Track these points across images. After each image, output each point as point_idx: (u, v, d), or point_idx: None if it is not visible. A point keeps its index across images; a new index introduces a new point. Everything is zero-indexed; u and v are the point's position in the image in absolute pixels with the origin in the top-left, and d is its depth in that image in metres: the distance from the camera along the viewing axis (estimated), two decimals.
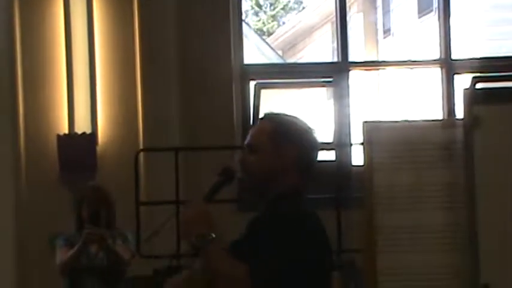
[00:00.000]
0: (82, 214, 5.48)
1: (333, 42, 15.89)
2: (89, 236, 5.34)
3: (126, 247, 5.44)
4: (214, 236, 3.00)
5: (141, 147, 6.09)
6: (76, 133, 6.27)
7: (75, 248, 5.42)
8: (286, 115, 3.19)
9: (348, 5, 6.67)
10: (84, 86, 6.32)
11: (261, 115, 3.24)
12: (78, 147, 6.22)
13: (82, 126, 6.30)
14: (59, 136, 6.28)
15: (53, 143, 6.27)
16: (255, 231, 3.05)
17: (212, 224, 3.05)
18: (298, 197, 3.09)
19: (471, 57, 8.19)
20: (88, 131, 6.28)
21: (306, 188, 3.13)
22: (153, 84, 6.20)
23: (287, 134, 3.07)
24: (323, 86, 8.44)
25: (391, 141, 4.69)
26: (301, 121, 3.17)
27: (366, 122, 4.88)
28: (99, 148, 6.29)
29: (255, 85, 6.34)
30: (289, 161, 3.05)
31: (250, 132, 3.16)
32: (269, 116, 3.16)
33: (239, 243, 3.06)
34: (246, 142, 3.14)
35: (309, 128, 3.15)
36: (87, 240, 5.35)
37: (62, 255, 5.47)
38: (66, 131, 6.29)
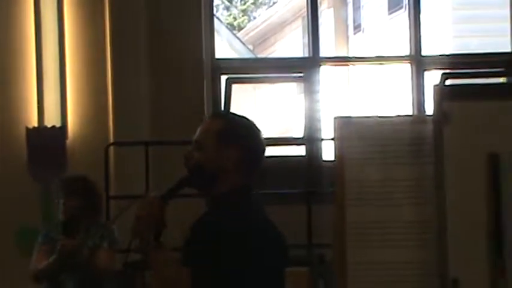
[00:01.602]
0: (69, 205, 5.01)
1: (303, 37, 15.93)
2: (63, 249, 4.86)
3: (110, 253, 4.95)
4: (159, 241, 2.99)
5: (111, 141, 6.07)
6: (45, 126, 6.24)
7: (51, 259, 4.92)
8: (235, 115, 3.19)
9: (318, 0, 6.68)
10: (54, 79, 6.29)
11: (212, 112, 3.24)
12: (47, 141, 6.18)
13: (51, 119, 6.26)
14: (28, 129, 6.24)
15: (22, 136, 6.23)
16: (195, 234, 3.04)
17: (162, 225, 3.05)
18: (242, 198, 3.07)
19: (441, 53, 8.25)
20: (58, 124, 6.24)
21: (251, 188, 3.12)
22: (123, 78, 6.18)
23: (233, 134, 3.07)
24: (294, 81, 8.46)
25: (362, 136, 4.71)
26: (249, 121, 3.17)
27: (336, 117, 4.89)
28: (68, 142, 6.26)
29: (226, 80, 6.34)
30: (233, 161, 3.05)
31: (199, 128, 3.15)
32: (218, 114, 3.23)
33: (185, 245, 3.04)
34: (194, 138, 3.13)
35: (257, 128, 3.15)
36: (61, 254, 4.86)
37: (39, 258, 5.00)
38: (36, 124, 6.25)
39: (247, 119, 3.19)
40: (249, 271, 2.93)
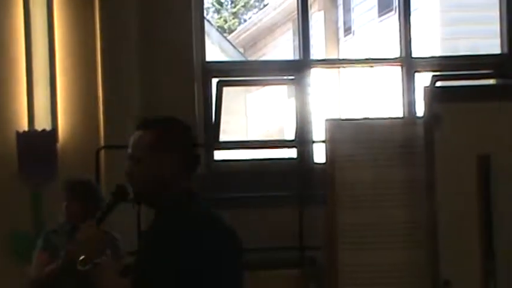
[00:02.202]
0: (71, 209, 4.81)
1: (294, 40, 15.94)
2: (69, 255, 4.41)
3: (112, 263, 4.74)
4: (99, 260, 2.96)
5: (101, 144, 6.05)
6: (36, 130, 6.22)
7: (56, 265, 4.63)
8: (163, 119, 3.12)
9: (309, 3, 6.68)
10: (44, 83, 6.27)
11: (139, 122, 3.17)
12: (38, 144, 6.17)
13: (42, 123, 6.24)
14: (18, 133, 6.23)
15: (12, 140, 6.21)
16: (144, 245, 2.97)
17: (100, 249, 3.00)
18: (189, 202, 3.01)
19: (431, 55, 8.25)
20: (48, 127, 6.23)
21: (195, 192, 3.07)
22: (113, 81, 6.17)
23: (167, 139, 3.01)
24: (285, 84, 8.47)
25: (353, 138, 4.72)
26: (178, 123, 3.10)
27: (327, 119, 4.90)
28: (59, 145, 6.24)
29: (217, 82, 6.33)
30: (174, 167, 2.99)
31: (130, 142, 3.08)
32: (146, 123, 3.08)
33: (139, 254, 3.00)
34: (127, 153, 3.07)
35: (187, 126, 3.09)
36: (68, 260, 4.47)
37: (39, 264, 4.73)
38: (26, 128, 6.24)
39: (176, 121, 3.12)
40: (207, 276, 2.88)
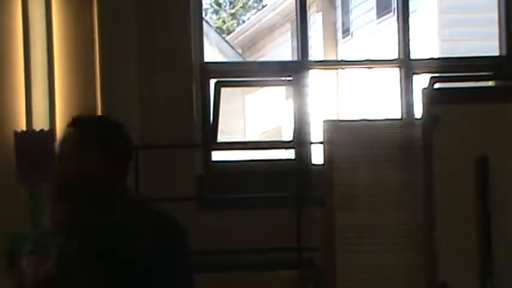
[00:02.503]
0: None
1: (292, 41, 15.94)
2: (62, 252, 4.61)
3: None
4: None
5: None
6: (34, 130, 6.21)
7: (49, 266, 4.65)
8: (94, 117, 3.16)
9: (307, 4, 6.67)
10: (42, 82, 6.27)
11: (67, 122, 3.06)
12: (36, 144, 6.16)
13: (40, 122, 6.23)
14: (16, 133, 6.22)
15: (10, 139, 6.21)
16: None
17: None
18: (123, 199, 2.97)
19: (429, 57, 8.25)
20: (46, 127, 6.22)
21: (128, 189, 3.03)
22: (112, 81, 6.17)
23: (93, 140, 2.95)
24: (283, 85, 8.47)
25: (351, 140, 4.72)
26: (110, 119, 3.07)
27: (325, 121, 4.90)
28: (57, 145, 6.23)
29: (215, 83, 6.33)
30: (102, 166, 2.94)
31: (59, 142, 3.03)
32: (76, 122, 3.03)
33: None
34: (56, 153, 3.01)
35: (119, 125, 3.03)
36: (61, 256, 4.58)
37: (31, 270, 4.73)
38: (24, 128, 6.23)
39: (108, 119, 3.08)
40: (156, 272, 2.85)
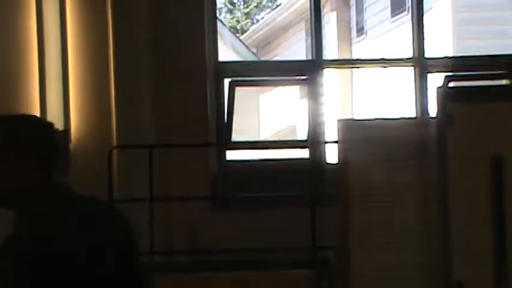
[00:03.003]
0: None
1: (306, 40, 15.93)
2: None
3: None
4: None
5: (114, 144, 6.07)
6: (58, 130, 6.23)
7: None
8: (14, 116, 2.90)
9: (321, 3, 6.67)
10: (57, 83, 6.29)
11: None
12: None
13: (54, 123, 6.25)
14: None
15: None
16: (10, 257, 2.73)
17: None
18: (49, 201, 2.80)
19: (444, 56, 8.23)
20: (61, 127, 6.24)
21: (59, 185, 2.86)
22: (126, 81, 6.18)
23: (19, 139, 2.78)
24: (297, 84, 8.47)
25: (366, 139, 4.71)
26: (32, 119, 2.93)
27: (340, 120, 4.90)
28: (72, 145, 6.26)
29: (230, 83, 6.33)
30: (28, 168, 2.78)
31: None
32: None
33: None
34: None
35: (44, 124, 2.90)
36: None
37: None
38: None
39: (29, 118, 2.92)
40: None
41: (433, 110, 5.12)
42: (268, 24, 18.66)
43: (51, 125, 2.93)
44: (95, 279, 2.68)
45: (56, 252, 2.66)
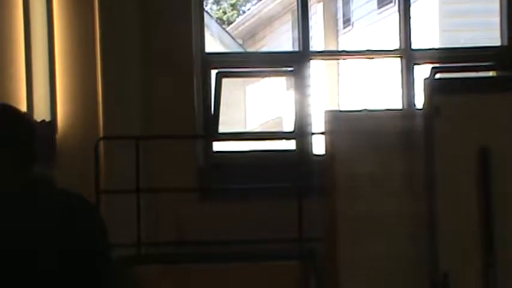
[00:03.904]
0: None
1: (293, 31, 15.92)
2: None
3: None
4: None
5: (101, 135, 6.05)
6: (35, 121, 6.21)
7: None
8: None
9: None
10: (43, 73, 6.26)
11: None
12: (37, 135, 6.15)
13: (41, 114, 6.23)
14: None
15: None
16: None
17: None
18: (26, 193, 2.74)
19: (431, 47, 8.24)
20: (47, 118, 6.22)
21: (35, 177, 2.78)
22: (113, 72, 6.16)
23: None
24: (284, 75, 8.46)
25: (352, 130, 4.72)
26: (6, 110, 2.83)
27: (327, 111, 4.90)
28: (58, 136, 6.23)
29: (216, 74, 6.32)
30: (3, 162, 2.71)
31: None
32: None
33: None
34: None
35: (19, 116, 2.82)
36: None
37: None
38: None
39: (4, 108, 2.83)
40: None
41: (419, 102, 5.13)
42: (254, 15, 18.64)
43: (24, 114, 2.85)
44: (48, 275, 2.61)
45: (13, 247, 2.60)
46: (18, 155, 2.76)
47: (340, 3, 15.80)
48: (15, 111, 2.84)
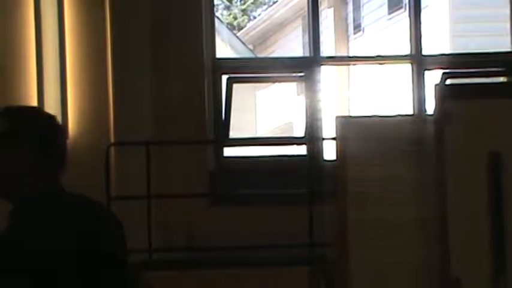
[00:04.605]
0: None
1: (304, 36, 15.93)
2: None
3: None
4: None
5: (112, 141, 6.06)
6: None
7: None
8: (18, 108, 2.86)
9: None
10: (54, 79, 6.28)
11: None
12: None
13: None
14: None
15: None
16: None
17: None
18: (49, 198, 2.76)
19: (441, 53, 8.23)
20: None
21: (61, 188, 2.82)
22: (124, 77, 6.18)
23: (17, 133, 2.73)
24: (295, 81, 8.47)
25: (363, 136, 4.72)
26: (37, 112, 2.87)
27: (338, 116, 4.90)
28: (69, 142, 6.24)
29: (227, 79, 6.33)
30: (26, 161, 2.72)
31: None
32: (2, 112, 2.79)
33: None
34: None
35: (48, 118, 2.82)
36: None
37: None
38: None
39: (35, 110, 2.90)
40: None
41: (430, 107, 5.13)
42: (265, 21, 18.65)
43: (54, 118, 2.86)
44: (70, 278, 2.62)
45: (45, 249, 2.61)
46: (48, 157, 2.79)
47: (350, 9, 15.80)
48: (49, 115, 2.87)
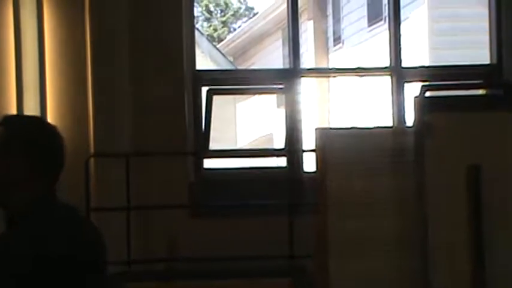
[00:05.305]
0: None
1: (283, 49, 15.97)
2: None
3: None
4: None
5: (91, 152, 6.05)
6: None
7: None
8: (18, 117, 2.98)
9: (298, 12, 6.68)
10: (34, 90, 6.26)
11: None
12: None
13: None
14: None
15: None
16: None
17: None
18: (45, 207, 2.80)
19: (421, 65, 8.27)
20: None
21: (52, 192, 2.87)
22: (103, 89, 6.17)
23: (17, 141, 2.78)
24: (274, 93, 8.48)
25: (343, 148, 4.73)
26: (37, 122, 2.93)
27: (318, 128, 4.91)
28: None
29: (207, 91, 6.34)
30: (25, 171, 2.78)
31: None
32: (3, 121, 2.85)
33: None
34: None
35: (49, 127, 2.88)
36: None
37: None
38: None
39: (36, 119, 2.94)
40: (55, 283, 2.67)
41: (410, 119, 5.15)
42: (245, 32, 18.69)
43: (53, 130, 2.90)
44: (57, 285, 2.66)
45: (49, 254, 2.67)
46: (44, 166, 2.83)
47: (330, 21, 15.86)
48: (51, 125, 2.91)
